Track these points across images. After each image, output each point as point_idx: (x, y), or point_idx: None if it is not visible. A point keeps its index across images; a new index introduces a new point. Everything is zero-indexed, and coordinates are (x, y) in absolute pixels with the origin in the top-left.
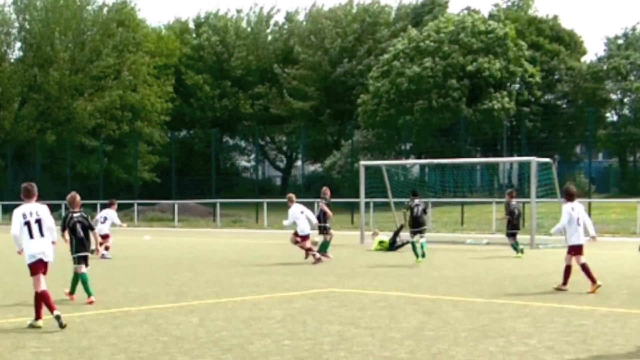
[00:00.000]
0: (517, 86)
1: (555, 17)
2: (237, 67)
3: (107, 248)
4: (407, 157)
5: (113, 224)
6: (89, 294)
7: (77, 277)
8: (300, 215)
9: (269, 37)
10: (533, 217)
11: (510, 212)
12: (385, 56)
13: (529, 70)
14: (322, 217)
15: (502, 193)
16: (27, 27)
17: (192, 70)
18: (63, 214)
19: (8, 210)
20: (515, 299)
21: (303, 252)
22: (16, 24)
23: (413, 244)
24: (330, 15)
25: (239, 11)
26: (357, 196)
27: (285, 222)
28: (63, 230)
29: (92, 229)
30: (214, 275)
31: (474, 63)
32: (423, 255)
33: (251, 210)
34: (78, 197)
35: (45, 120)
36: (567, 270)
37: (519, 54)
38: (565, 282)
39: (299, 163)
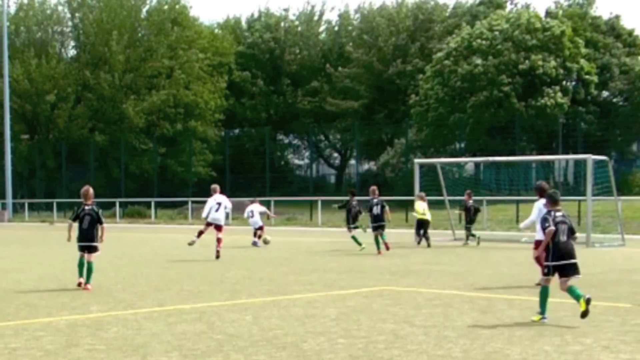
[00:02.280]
0: (573, 83)
1: (618, 17)
2: (291, 62)
3: (259, 236)
4: (462, 156)
5: (262, 214)
6: (81, 275)
7: (83, 262)
8: (216, 205)
9: (323, 35)
10: (589, 216)
11: (467, 209)
12: (439, 54)
13: (586, 67)
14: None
15: (558, 191)
16: (81, 26)
17: (245, 69)
18: (118, 212)
19: (62, 208)
20: (571, 298)
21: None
22: (70, 23)
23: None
24: (382, 13)
25: (285, 10)
26: (411, 194)
27: (204, 215)
28: (74, 220)
29: (101, 222)
30: (268, 273)
31: (526, 61)
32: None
33: (305, 208)
34: (91, 191)
35: (98, 119)
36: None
37: (575, 51)
38: None
39: (353, 161)
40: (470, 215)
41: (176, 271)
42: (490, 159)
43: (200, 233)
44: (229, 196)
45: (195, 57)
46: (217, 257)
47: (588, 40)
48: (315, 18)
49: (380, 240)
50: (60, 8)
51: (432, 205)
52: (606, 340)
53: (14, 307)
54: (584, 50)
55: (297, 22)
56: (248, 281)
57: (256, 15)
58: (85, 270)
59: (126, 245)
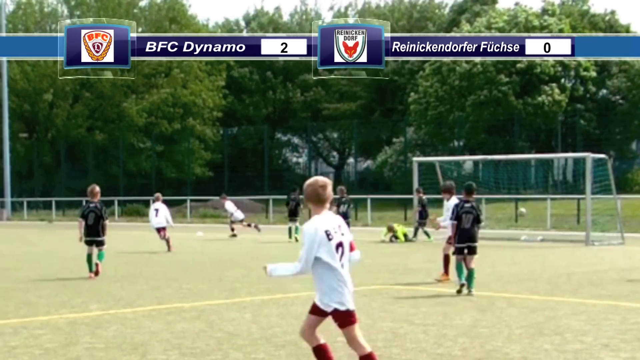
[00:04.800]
0: (572, 81)
1: (613, 12)
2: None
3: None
4: (460, 154)
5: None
6: (90, 270)
7: (91, 257)
8: (153, 211)
9: None
10: (588, 214)
11: (423, 205)
12: None
13: (584, 64)
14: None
15: (557, 189)
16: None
17: (243, 66)
18: (116, 210)
19: (61, 207)
20: (571, 297)
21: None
22: (68, 21)
23: None
24: (377, 12)
25: (277, 8)
26: (410, 193)
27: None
28: (81, 217)
29: (103, 218)
30: None
31: (524, 59)
32: None
33: (304, 207)
34: (97, 189)
35: (97, 118)
36: (447, 260)
37: None
38: (446, 272)
39: (351, 160)
40: (425, 211)
41: (175, 270)
42: (489, 157)
43: (167, 240)
44: (228, 194)
45: None
46: (169, 249)
47: None
48: (312, 17)
49: None
50: (58, 6)
51: (430, 203)
52: (606, 338)
53: (13, 305)
54: None
55: (291, 21)
56: (247, 280)
57: (252, 13)
58: (96, 256)
59: (125, 243)
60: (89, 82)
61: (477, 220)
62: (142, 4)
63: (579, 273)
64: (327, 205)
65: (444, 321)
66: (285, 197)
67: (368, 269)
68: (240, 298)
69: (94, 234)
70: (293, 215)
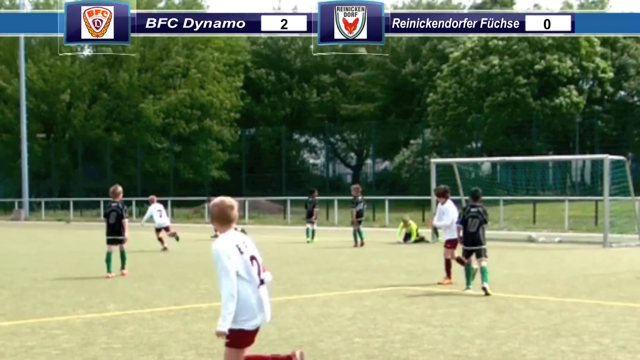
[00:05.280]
0: (590, 83)
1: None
2: (301, 61)
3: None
4: (478, 155)
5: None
6: (109, 270)
7: (110, 258)
8: (157, 212)
9: None
10: (606, 216)
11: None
12: (455, 54)
13: (601, 66)
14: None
15: (575, 191)
16: None
17: (261, 67)
18: (134, 210)
19: (78, 207)
20: (588, 298)
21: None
22: None
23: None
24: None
25: (294, 8)
26: (428, 194)
27: (144, 221)
28: (105, 217)
29: (122, 217)
30: (284, 272)
31: (542, 61)
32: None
33: (321, 208)
34: (119, 189)
35: (114, 119)
36: (448, 264)
37: (591, 50)
38: (448, 276)
39: (368, 161)
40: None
41: (192, 270)
42: (507, 158)
43: (161, 240)
44: (246, 196)
45: (211, 56)
46: (177, 239)
47: (605, 40)
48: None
49: (357, 235)
50: None
51: None
52: (623, 340)
53: (30, 305)
54: (599, 49)
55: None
56: None
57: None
58: (120, 258)
59: (143, 244)
60: (106, 83)
61: (484, 222)
62: (160, 5)
63: (597, 275)
64: (233, 225)
65: (462, 322)
66: (304, 198)
67: (385, 269)
68: None
69: (115, 233)
70: (310, 216)
